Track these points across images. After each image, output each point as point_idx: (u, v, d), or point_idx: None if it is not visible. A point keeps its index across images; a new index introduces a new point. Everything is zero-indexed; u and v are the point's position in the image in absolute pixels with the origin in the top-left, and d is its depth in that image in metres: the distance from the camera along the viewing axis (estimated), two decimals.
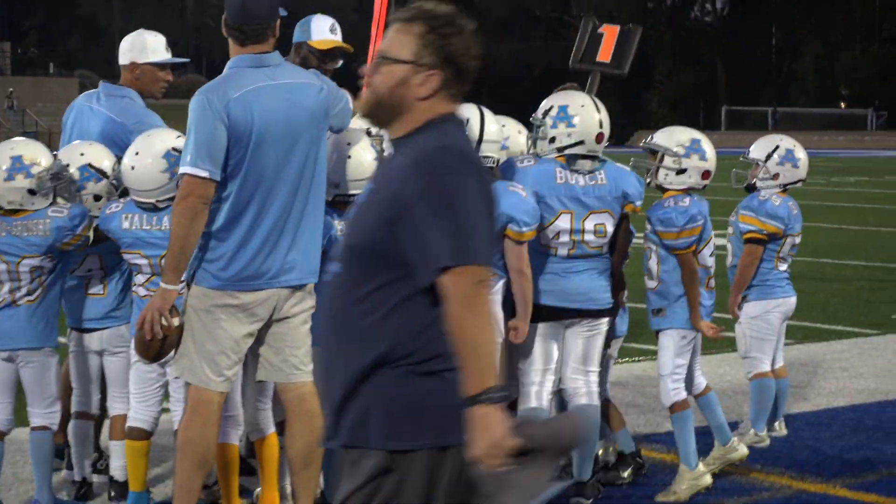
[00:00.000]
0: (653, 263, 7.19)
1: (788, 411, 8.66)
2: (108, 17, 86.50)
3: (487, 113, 6.65)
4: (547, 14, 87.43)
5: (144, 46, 7.43)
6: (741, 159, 8.24)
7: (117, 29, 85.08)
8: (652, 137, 7.35)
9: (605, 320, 6.97)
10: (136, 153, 6.54)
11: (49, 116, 54.52)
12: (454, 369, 3.73)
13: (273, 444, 6.52)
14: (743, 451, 7.38)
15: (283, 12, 6.16)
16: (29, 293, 6.56)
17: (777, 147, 8.00)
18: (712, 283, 7.27)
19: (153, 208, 6.51)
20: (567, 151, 6.81)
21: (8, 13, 78.27)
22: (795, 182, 8.02)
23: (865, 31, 79.85)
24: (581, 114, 6.81)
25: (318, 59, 7.52)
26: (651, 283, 7.25)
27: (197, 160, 5.78)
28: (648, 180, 7.23)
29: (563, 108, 6.84)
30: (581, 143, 6.80)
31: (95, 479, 7.08)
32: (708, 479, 7.13)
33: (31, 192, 6.56)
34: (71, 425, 7.00)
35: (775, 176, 7.96)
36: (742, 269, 7.91)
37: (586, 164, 6.83)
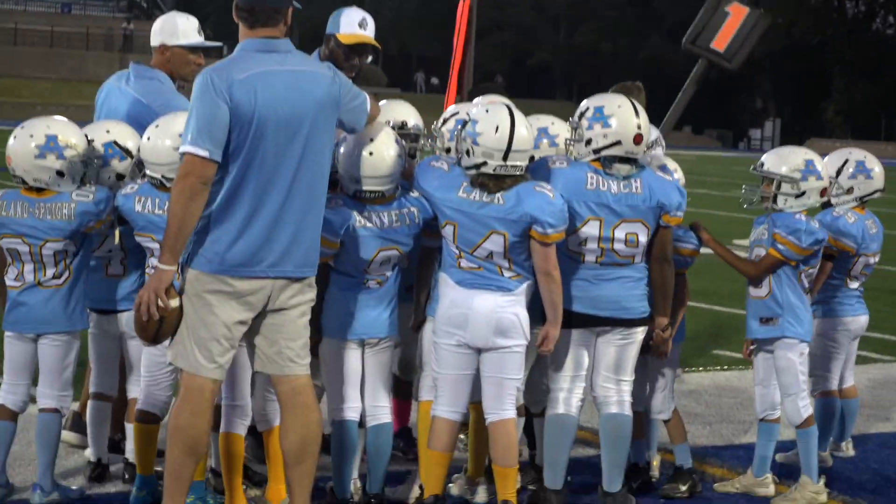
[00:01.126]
0: None
1: (866, 431, 8.59)
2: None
3: (518, 116, 6.40)
4: None
5: (175, 29, 7.46)
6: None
7: (296, 13, 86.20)
8: (763, 164, 7.27)
9: (640, 329, 6.81)
10: (157, 126, 6.59)
11: None
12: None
13: (275, 437, 6.42)
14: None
15: (296, 4, 6.08)
16: (56, 276, 6.54)
17: (846, 161, 7.78)
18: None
19: (166, 190, 6.39)
20: (603, 153, 6.64)
21: None
22: (872, 193, 7.80)
23: None
24: (617, 114, 6.61)
25: (344, 53, 7.57)
26: (759, 292, 7.20)
27: (197, 139, 5.69)
28: (765, 206, 7.22)
29: (598, 109, 6.65)
30: (618, 143, 6.62)
31: (112, 460, 7.11)
32: (824, 497, 7.18)
33: (60, 174, 6.51)
34: (88, 406, 7.02)
35: (849, 190, 7.76)
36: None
37: (623, 169, 6.64)
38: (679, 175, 7.07)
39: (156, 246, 6.34)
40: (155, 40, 7.52)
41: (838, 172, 7.76)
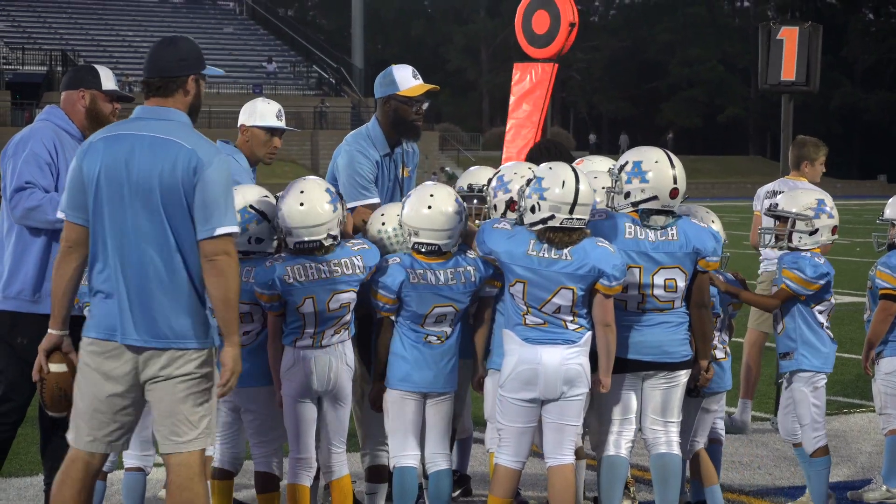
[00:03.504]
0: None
1: None
2: (476, 72, 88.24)
3: (581, 174, 6.67)
4: None
5: (254, 110, 7.77)
6: (878, 221, 8.38)
7: (485, 84, 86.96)
8: (777, 205, 7.61)
9: (684, 372, 7.04)
10: None
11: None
12: None
13: (345, 486, 6.86)
14: None
15: (216, 71, 6.16)
16: None
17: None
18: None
19: None
20: (641, 206, 6.91)
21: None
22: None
23: None
24: (654, 170, 6.88)
25: (409, 107, 7.76)
26: (778, 329, 7.59)
27: (62, 202, 5.88)
28: (780, 244, 7.58)
29: (637, 164, 6.92)
30: (654, 198, 6.88)
31: None
32: None
33: None
34: None
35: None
36: (875, 325, 8.02)
37: (659, 220, 6.92)
38: (717, 225, 7.33)
39: None
40: (240, 120, 7.83)
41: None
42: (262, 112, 7.75)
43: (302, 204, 6.66)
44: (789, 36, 10.55)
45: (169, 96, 5.89)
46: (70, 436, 5.88)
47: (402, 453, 6.99)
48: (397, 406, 6.96)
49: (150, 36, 72.08)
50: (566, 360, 6.69)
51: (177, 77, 5.88)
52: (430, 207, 6.86)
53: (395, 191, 7.95)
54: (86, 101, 7.23)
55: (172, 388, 5.79)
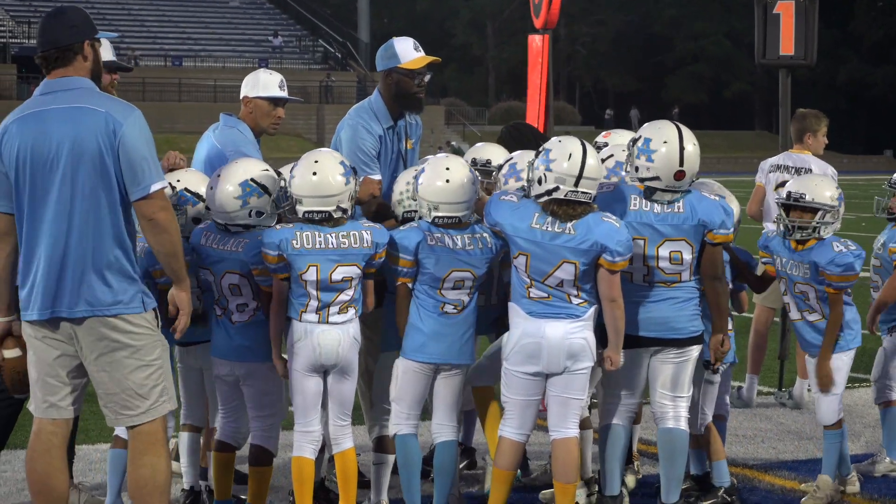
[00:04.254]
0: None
1: None
2: (482, 47, 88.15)
3: (589, 148, 6.72)
4: None
5: (258, 82, 7.77)
6: (884, 187, 8.38)
7: (491, 59, 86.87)
8: (804, 195, 7.39)
9: (695, 348, 7.05)
10: (219, 175, 6.89)
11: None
12: None
13: (349, 459, 6.85)
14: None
15: (108, 35, 6.18)
16: None
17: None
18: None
19: (225, 230, 6.84)
20: (646, 184, 6.92)
21: None
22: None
23: None
24: (661, 150, 6.85)
25: (412, 80, 7.74)
26: (817, 316, 7.50)
27: None
28: (803, 235, 7.36)
29: (647, 141, 6.91)
30: (658, 178, 6.88)
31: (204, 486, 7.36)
32: (839, 497, 7.63)
33: None
34: (180, 437, 7.30)
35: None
36: (887, 290, 8.11)
37: (665, 196, 6.91)
38: (735, 204, 7.25)
39: (211, 279, 6.85)
40: (242, 92, 7.83)
41: None
42: (264, 83, 7.76)
43: (315, 174, 6.68)
44: (786, 10, 10.56)
45: (69, 65, 5.97)
46: (31, 406, 6.04)
47: (405, 422, 6.99)
48: (409, 376, 6.95)
49: (156, 10, 72.22)
50: (570, 334, 6.70)
51: (71, 45, 5.97)
52: (447, 181, 6.87)
53: (399, 163, 7.95)
54: None
55: (115, 359, 5.91)
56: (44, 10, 65.93)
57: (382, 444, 7.20)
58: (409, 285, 6.93)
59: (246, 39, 70.97)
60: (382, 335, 7.25)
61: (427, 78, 7.80)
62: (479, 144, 7.97)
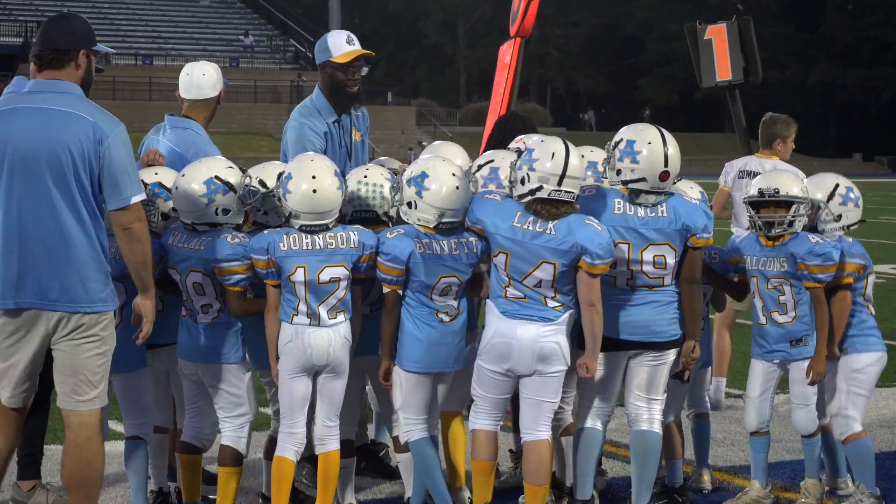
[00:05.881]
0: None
1: None
2: (453, 48, 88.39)
3: (572, 148, 6.71)
4: (894, 40, 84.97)
5: (218, 78, 7.78)
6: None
7: (462, 59, 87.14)
8: (784, 190, 7.28)
9: (671, 351, 7.06)
10: (183, 175, 6.90)
11: (386, 143, 55.84)
12: None
13: (332, 460, 6.89)
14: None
15: (104, 49, 6.33)
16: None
17: (837, 185, 7.55)
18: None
19: (192, 229, 6.88)
20: (630, 185, 6.90)
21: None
22: (858, 223, 7.61)
23: None
24: (646, 151, 6.84)
25: (344, 73, 7.75)
26: (787, 318, 7.36)
27: None
28: (780, 232, 7.27)
29: (630, 143, 6.89)
30: (643, 179, 6.86)
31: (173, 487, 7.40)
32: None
33: None
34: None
35: (839, 217, 7.53)
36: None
37: (650, 198, 6.90)
38: (696, 192, 7.35)
39: (178, 279, 6.92)
40: (210, 92, 7.80)
41: (829, 198, 7.55)
42: (219, 77, 7.84)
43: (315, 191, 6.66)
44: (718, 34, 10.62)
45: (62, 69, 6.15)
46: None
47: (415, 427, 6.99)
48: (411, 385, 6.94)
49: (126, 9, 72.23)
50: (541, 337, 6.70)
51: (68, 51, 6.14)
52: (457, 187, 6.83)
53: (346, 157, 7.95)
54: None
55: (77, 348, 6.12)
56: (13, 8, 65.30)
57: (344, 448, 7.17)
58: (399, 292, 6.91)
59: (217, 39, 71.03)
60: (362, 339, 7.17)
61: (363, 72, 7.80)
62: (436, 143, 7.85)
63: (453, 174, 6.87)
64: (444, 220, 6.84)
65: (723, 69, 10.67)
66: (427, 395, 7.01)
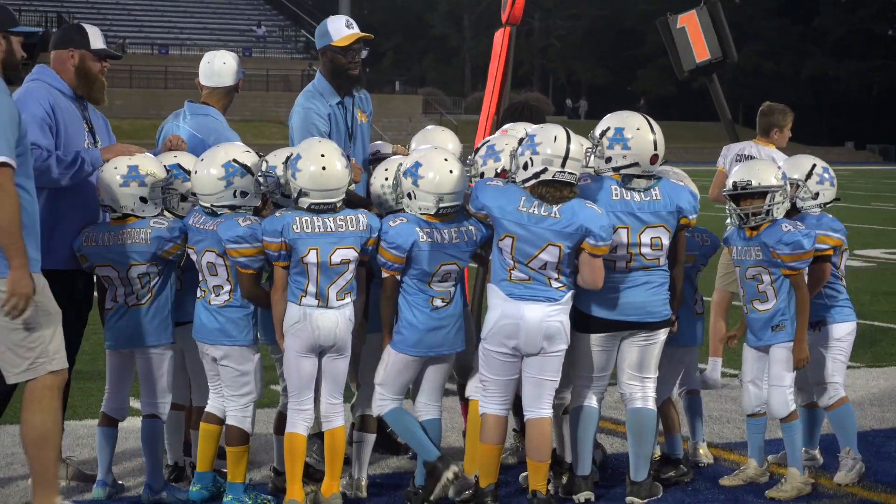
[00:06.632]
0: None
1: None
2: (459, 38, 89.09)
3: (571, 133, 6.81)
4: (886, 33, 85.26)
5: (234, 68, 7.88)
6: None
7: (467, 49, 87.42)
8: (756, 181, 7.31)
9: (662, 331, 7.17)
10: (202, 160, 6.93)
11: (393, 131, 55.62)
12: None
13: (338, 436, 6.91)
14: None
15: (28, 29, 6.49)
16: (138, 298, 6.98)
17: (814, 165, 7.69)
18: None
19: (211, 212, 6.92)
20: (622, 171, 7.01)
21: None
22: (834, 201, 7.72)
23: None
24: (636, 136, 6.95)
25: (344, 56, 7.77)
26: (767, 305, 7.35)
27: None
28: (758, 222, 7.29)
29: (619, 130, 6.98)
30: (636, 164, 6.98)
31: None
32: (809, 489, 7.42)
33: (143, 199, 6.97)
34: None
35: (816, 195, 7.66)
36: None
37: (641, 183, 7.01)
38: (691, 184, 7.32)
39: (195, 259, 6.98)
40: (225, 81, 7.91)
41: (808, 176, 7.68)
42: (236, 68, 7.92)
43: (324, 168, 6.70)
44: (689, 21, 10.58)
45: None
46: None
47: (389, 404, 7.08)
48: (399, 367, 7.02)
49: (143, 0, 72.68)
50: (548, 316, 6.77)
51: None
52: (451, 172, 6.91)
53: (348, 139, 7.90)
54: (75, 60, 7.27)
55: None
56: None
57: (365, 423, 7.24)
58: (398, 278, 6.96)
59: (230, 29, 71.07)
60: (369, 317, 7.23)
61: (362, 55, 7.83)
62: (428, 128, 7.97)
63: (445, 159, 6.93)
64: (443, 204, 6.90)
65: (700, 51, 10.55)
66: (411, 378, 7.07)
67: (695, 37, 10.50)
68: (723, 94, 11.22)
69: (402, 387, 7.11)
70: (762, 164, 7.51)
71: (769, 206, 7.29)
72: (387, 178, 7.23)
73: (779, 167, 7.47)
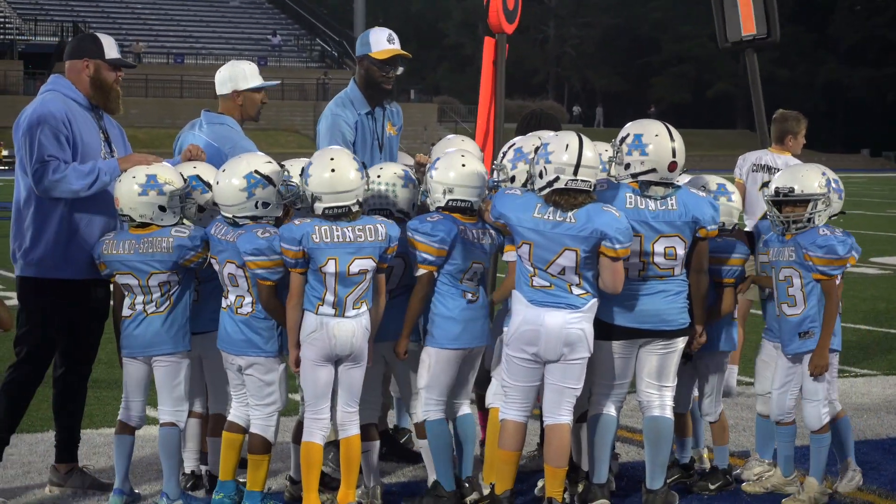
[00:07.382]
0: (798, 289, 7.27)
1: None
2: (473, 47, 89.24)
3: (586, 140, 6.85)
4: None
5: (245, 74, 7.84)
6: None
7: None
8: (800, 188, 7.19)
9: (680, 339, 7.17)
10: (224, 171, 6.95)
11: (409, 139, 55.14)
12: None
13: (353, 445, 6.94)
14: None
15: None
16: (157, 305, 7.02)
17: (823, 174, 7.37)
18: None
19: (233, 223, 6.94)
20: (640, 178, 7.02)
21: None
22: (839, 214, 7.52)
23: None
24: (654, 143, 6.97)
25: (379, 69, 7.91)
26: (796, 310, 7.27)
27: None
28: (800, 229, 7.19)
29: (637, 137, 7.01)
30: (653, 171, 6.99)
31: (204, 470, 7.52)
32: (826, 499, 7.40)
33: (162, 208, 7.00)
34: (188, 423, 7.37)
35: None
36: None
37: (659, 191, 7.01)
38: (736, 197, 7.45)
39: (217, 269, 7.00)
40: (226, 88, 7.84)
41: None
42: (251, 74, 7.88)
43: (333, 170, 6.73)
44: None
45: None
46: None
47: (434, 408, 7.14)
48: (442, 365, 7.08)
49: (158, 9, 72.32)
50: (568, 323, 6.81)
51: None
52: (464, 165, 7.05)
53: (376, 148, 8.04)
54: (90, 70, 7.32)
55: None
56: (50, 8, 65.76)
57: (366, 433, 7.21)
58: (435, 274, 7.06)
59: (245, 38, 71.50)
60: (383, 326, 7.15)
61: (398, 71, 7.91)
62: (448, 137, 8.02)
63: (462, 155, 7.11)
64: (451, 196, 7.03)
65: (748, 24, 10.28)
66: (454, 375, 7.14)
67: (745, 7, 10.30)
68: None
69: (446, 387, 7.15)
70: (806, 169, 7.38)
71: (811, 213, 7.21)
72: (378, 176, 7.27)
73: (823, 173, 7.32)
